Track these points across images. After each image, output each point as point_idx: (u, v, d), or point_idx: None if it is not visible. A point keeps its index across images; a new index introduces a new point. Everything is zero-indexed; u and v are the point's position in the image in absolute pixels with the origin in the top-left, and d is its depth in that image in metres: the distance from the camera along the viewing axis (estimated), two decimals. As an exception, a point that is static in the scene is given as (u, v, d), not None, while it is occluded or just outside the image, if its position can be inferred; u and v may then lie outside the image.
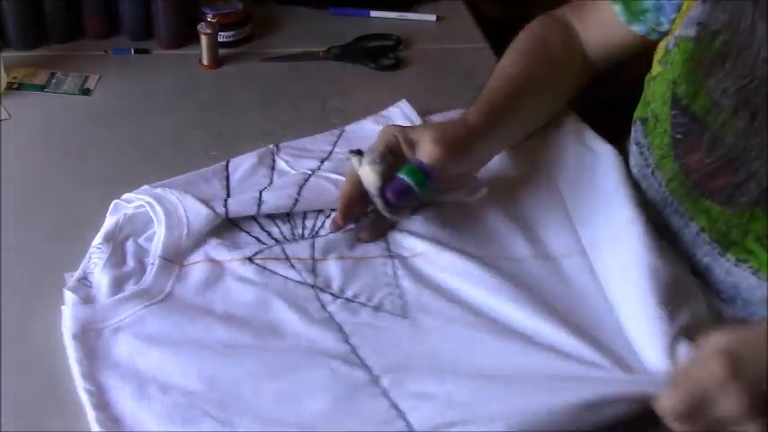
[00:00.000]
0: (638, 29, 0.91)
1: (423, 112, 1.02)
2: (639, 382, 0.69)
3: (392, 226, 0.85)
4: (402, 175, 0.79)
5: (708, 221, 0.79)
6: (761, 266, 0.76)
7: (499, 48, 1.02)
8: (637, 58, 0.93)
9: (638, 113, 0.89)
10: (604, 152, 0.91)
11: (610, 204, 0.84)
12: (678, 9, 0.85)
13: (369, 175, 0.79)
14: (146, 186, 0.85)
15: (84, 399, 0.67)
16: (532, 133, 0.96)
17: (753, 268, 0.76)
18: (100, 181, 0.93)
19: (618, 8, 0.92)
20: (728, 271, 0.78)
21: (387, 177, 0.79)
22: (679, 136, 0.81)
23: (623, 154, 0.91)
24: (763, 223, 0.74)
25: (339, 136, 0.98)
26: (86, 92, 1.09)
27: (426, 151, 0.80)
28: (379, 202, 0.79)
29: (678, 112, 0.81)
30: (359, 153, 0.80)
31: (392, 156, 0.80)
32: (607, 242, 0.82)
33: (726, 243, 0.78)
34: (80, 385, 0.68)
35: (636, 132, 0.89)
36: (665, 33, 0.87)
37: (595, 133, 0.95)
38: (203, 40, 1.14)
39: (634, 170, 0.89)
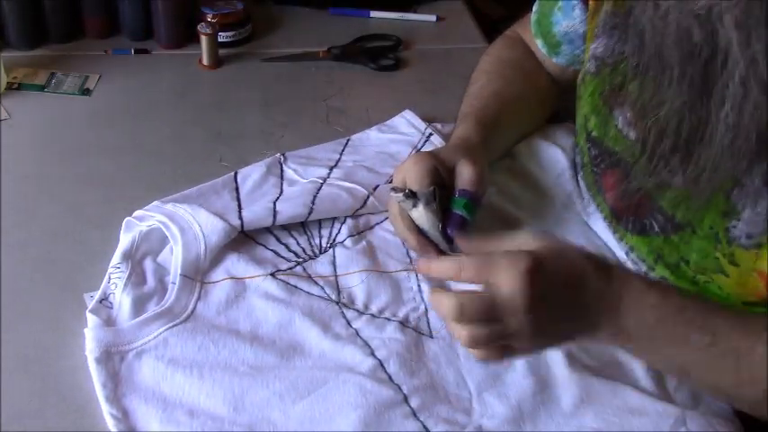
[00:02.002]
0: (558, 61, 0.94)
1: (426, 118, 1.01)
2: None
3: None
4: (456, 210, 0.80)
5: (628, 246, 0.81)
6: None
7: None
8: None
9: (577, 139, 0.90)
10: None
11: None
12: (584, 41, 0.87)
13: (428, 217, 0.79)
14: (156, 203, 0.84)
15: (110, 423, 0.67)
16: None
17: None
18: (100, 181, 0.93)
19: (539, 42, 0.95)
20: None
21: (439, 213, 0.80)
22: (596, 168, 0.83)
23: None
24: (673, 255, 0.75)
25: (345, 145, 0.98)
26: (86, 92, 1.09)
27: (468, 175, 0.81)
28: (440, 240, 0.80)
29: (591, 145, 0.83)
30: (411, 195, 0.79)
31: (440, 189, 0.80)
32: None
33: (646, 266, 0.79)
34: (105, 409, 0.68)
35: (576, 157, 0.91)
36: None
37: None
38: (203, 40, 1.14)
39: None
